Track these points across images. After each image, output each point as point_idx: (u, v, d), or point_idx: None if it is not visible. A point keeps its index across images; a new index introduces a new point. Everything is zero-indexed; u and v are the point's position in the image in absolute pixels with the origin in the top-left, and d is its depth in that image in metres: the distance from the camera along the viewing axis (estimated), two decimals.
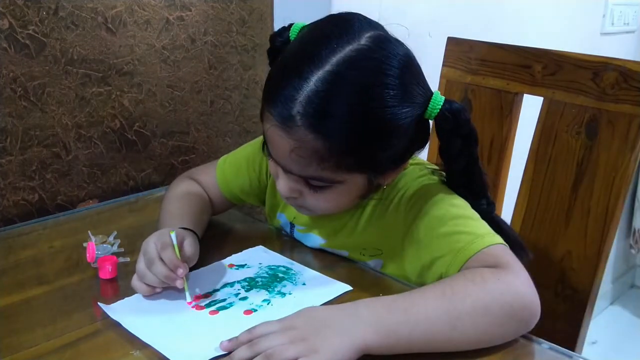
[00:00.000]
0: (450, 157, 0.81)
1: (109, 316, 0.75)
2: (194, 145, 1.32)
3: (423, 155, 0.91)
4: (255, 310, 0.77)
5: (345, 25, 0.74)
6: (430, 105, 0.76)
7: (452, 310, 0.67)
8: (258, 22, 1.35)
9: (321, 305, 0.77)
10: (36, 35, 1.04)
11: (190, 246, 0.82)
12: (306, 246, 0.95)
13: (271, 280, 0.84)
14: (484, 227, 0.78)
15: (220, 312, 0.77)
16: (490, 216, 0.83)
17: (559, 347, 0.73)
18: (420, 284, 0.79)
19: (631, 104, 0.96)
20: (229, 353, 0.66)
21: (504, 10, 1.80)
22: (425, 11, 1.57)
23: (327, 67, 0.70)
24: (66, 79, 1.09)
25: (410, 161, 0.87)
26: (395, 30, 0.78)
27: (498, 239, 0.76)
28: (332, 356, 0.63)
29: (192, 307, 0.78)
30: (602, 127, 0.99)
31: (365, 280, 0.86)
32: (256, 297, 0.80)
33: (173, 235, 0.79)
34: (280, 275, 0.86)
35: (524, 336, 0.72)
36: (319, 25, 0.78)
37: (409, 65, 0.75)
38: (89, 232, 0.93)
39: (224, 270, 0.87)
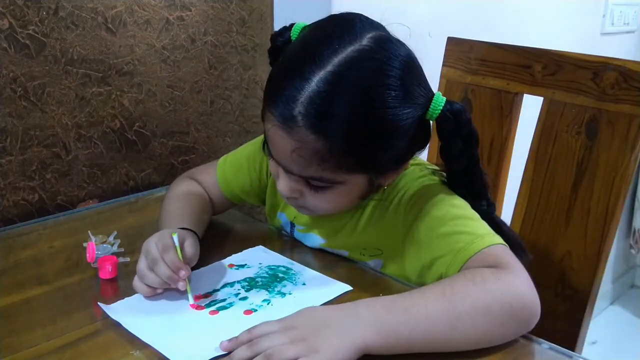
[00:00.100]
0: (451, 158, 0.81)
1: (109, 316, 0.75)
2: (194, 145, 1.32)
3: (423, 155, 0.91)
4: (255, 310, 0.77)
5: (347, 25, 0.74)
6: (431, 106, 0.76)
7: (452, 310, 0.67)
8: (258, 22, 1.35)
9: (321, 305, 0.77)
10: (36, 35, 1.04)
11: (191, 247, 0.82)
12: (306, 246, 0.95)
13: (271, 280, 0.84)
14: (484, 227, 0.78)
15: (220, 312, 0.77)
16: (490, 217, 0.83)
17: (559, 347, 0.73)
18: (420, 284, 0.79)
19: (631, 104, 0.96)
20: (229, 353, 0.66)
21: (504, 10, 1.80)
22: (425, 11, 1.57)
23: (329, 67, 0.70)
24: (66, 79, 1.09)
25: (411, 161, 0.87)
26: (396, 30, 0.78)
27: (498, 239, 0.76)
28: (332, 356, 0.63)
29: (193, 307, 0.78)
30: (602, 127, 0.99)
31: (365, 280, 0.86)
32: (256, 297, 0.80)
33: (175, 237, 0.79)
34: (280, 275, 0.86)
35: (524, 336, 0.72)
36: (321, 25, 0.78)
37: (411, 66, 0.75)
38: (89, 232, 0.93)
39: (224, 270, 0.87)
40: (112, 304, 0.78)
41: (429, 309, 0.67)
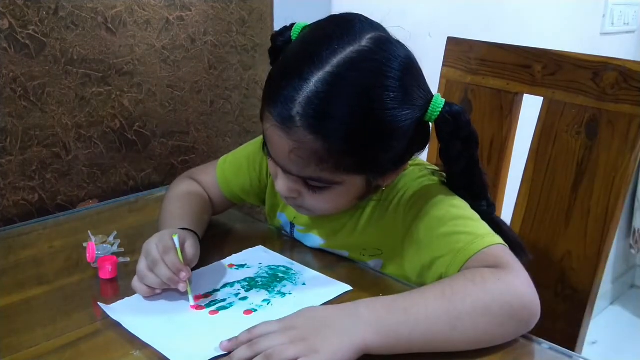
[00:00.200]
0: (450, 159, 0.81)
1: (109, 316, 0.75)
2: (194, 145, 1.32)
3: (423, 156, 0.91)
4: (255, 310, 0.77)
5: (346, 26, 0.74)
6: (430, 108, 0.76)
7: (452, 310, 0.67)
8: (258, 22, 1.35)
9: (321, 305, 0.77)
10: (36, 35, 1.04)
11: (192, 248, 0.82)
12: (306, 246, 0.95)
13: (271, 280, 0.84)
14: (483, 227, 0.78)
15: (220, 312, 0.77)
16: (490, 217, 0.83)
17: (559, 347, 0.73)
18: (420, 284, 0.79)
19: (631, 104, 0.96)
20: (229, 353, 0.66)
21: (504, 10, 1.80)
22: (425, 11, 1.57)
23: (328, 68, 0.70)
24: (66, 79, 1.09)
25: (411, 162, 0.87)
26: (396, 32, 0.78)
27: (498, 239, 0.76)
28: (332, 356, 0.63)
29: (193, 307, 0.78)
30: (602, 127, 0.99)
31: (365, 280, 0.86)
32: (256, 297, 0.80)
33: (176, 238, 0.79)
34: (280, 275, 0.86)
35: (524, 336, 0.72)
36: (321, 25, 0.78)
37: (410, 68, 0.75)
38: (89, 232, 0.93)
39: (224, 270, 0.87)
40: (112, 304, 0.78)
41: (429, 309, 0.67)
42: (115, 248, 0.92)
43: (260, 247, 0.95)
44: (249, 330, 0.67)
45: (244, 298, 0.80)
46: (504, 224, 0.88)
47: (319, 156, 0.72)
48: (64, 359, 0.68)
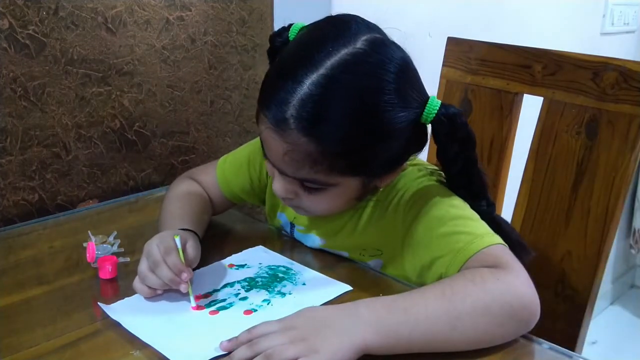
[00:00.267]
0: (447, 161, 0.81)
1: (109, 316, 0.75)
2: (194, 145, 1.32)
3: (423, 156, 0.91)
4: (255, 310, 0.77)
5: (342, 27, 0.74)
6: (425, 110, 0.75)
7: (452, 310, 0.67)
8: (258, 22, 1.35)
9: (321, 305, 0.77)
10: (36, 35, 1.04)
11: (193, 249, 0.82)
12: (306, 246, 0.95)
13: (271, 280, 0.84)
14: (483, 227, 0.78)
15: (220, 312, 0.77)
16: (490, 217, 0.83)
17: (559, 347, 0.73)
18: (420, 284, 0.79)
19: (631, 104, 0.96)
20: (229, 353, 0.66)
21: (504, 10, 1.80)
22: (425, 11, 1.57)
23: (322, 70, 0.70)
24: (66, 79, 1.09)
25: (410, 162, 0.87)
26: (393, 33, 0.78)
27: (497, 239, 0.76)
28: (332, 356, 0.63)
29: (193, 307, 0.78)
30: (602, 127, 0.99)
31: (365, 280, 0.86)
32: (256, 297, 0.80)
33: (177, 239, 0.79)
34: (280, 275, 0.86)
35: (524, 336, 0.72)
36: (316, 26, 0.78)
37: (405, 70, 0.74)
38: (89, 232, 0.93)
39: (224, 270, 0.87)
40: (112, 304, 0.78)
41: (428, 309, 0.67)
42: (115, 248, 0.92)
43: (260, 247, 0.95)
44: (249, 330, 0.67)
45: (244, 298, 0.80)
46: (505, 222, 0.88)
47: (313, 158, 0.73)
48: (64, 359, 0.68)
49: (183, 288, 0.77)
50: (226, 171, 1.00)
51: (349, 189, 0.79)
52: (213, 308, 0.78)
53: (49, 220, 1.08)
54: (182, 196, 0.96)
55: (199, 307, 0.78)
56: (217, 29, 1.29)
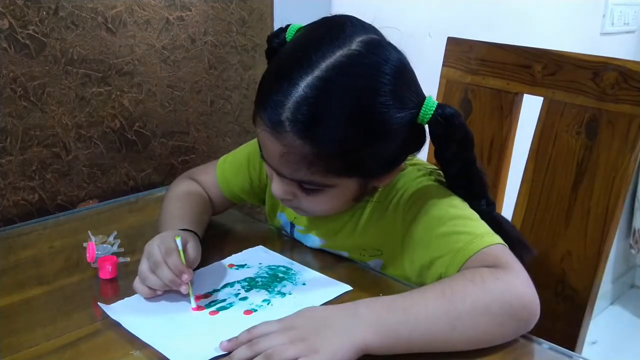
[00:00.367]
0: (445, 161, 0.81)
1: (109, 316, 0.75)
2: (194, 145, 1.32)
3: (423, 156, 0.91)
4: (255, 310, 0.77)
5: (337, 29, 0.74)
6: (422, 111, 0.75)
7: (452, 310, 0.67)
8: (258, 22, 1.35)
9: (321, 305, 0.77)
10: (36, 35, 1.04)
11: (193, 250, 0.82)
12: (306, 246, 0.95)
13: (271, 280, 0.84)
14: (483, 227, 0.78)
15: (220, 312, 0.77)
16: (490, 216, 0.83)
17: (559, 347, 0.73)
18: (420, 284, 0.79)
19: (631, 104, 0.96)
20: (229, 353, 0.66)
21: (504, 10, 1.80)
22: (425, 11, 1.57)
23: (317, 72, 0.70)
24: (66, 79, 1.09)
25: (409, 162, 0.87)
26: (391, 33, 0.78)
27: (497, 238, 0.76)
28: (332, 356, 0.63)
29: (193, 307, 0.78)
30: (602, 127, 0.99)
31: (365, 280, 0.86)
32: (256, 297, 0.80)
33: (178, 240, 0.79)
34: (280, 275, 0.86)
35: (524, 336, 0.72)
36: (312, 28, 0.78)
37: (401, 71, 0.74)
38: (89, 232, 0.93)
39: (224, 271, 0.87)
40: (112, 304, 0.78)
41: (428, 309, 0.67)
42: (115, 248, 0.92)
43: (260, 247, 0.95)
44: (248, 330, 0.67)
45: (244, 298, 0.80)
46: (506, 221, 0.88)
47: (309, 160, 0.73)
48: (64, 359, 0.68)
49: (183, 289, 0.77)
50: (226, 171, 1.00)
51: (347, 190, 0.79)
52: (213, 308, 0.78)
53: (49, 220, 1.08)
54: (181, 196, 0.96)
55: (199, 308, 0.78)
56: (217, 29, 1.29)
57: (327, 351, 0.63)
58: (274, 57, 0.79)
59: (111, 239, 0.93)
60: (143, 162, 1.24)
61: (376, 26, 0.78)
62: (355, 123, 0.72)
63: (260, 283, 0.84)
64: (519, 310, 0.69)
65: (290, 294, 0.81)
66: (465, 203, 0.81)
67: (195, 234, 0.87)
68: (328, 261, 0.91)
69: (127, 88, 1.18)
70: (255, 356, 0.63)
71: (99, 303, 0.78)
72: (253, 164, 0.98)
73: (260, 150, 0.79)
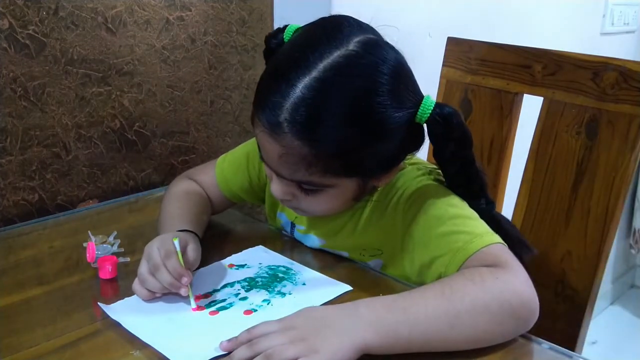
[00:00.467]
0: (444, 160, 0.81)
1: (109, 316, 0.75)
2: (194, 145, 1.32)
3: (423, 155, 0.91)
4: (255, 310, 0.77)
5: (334, 29, 0.74)
6: (420, 110, 0.75)
7: (452, 309, 0.67)
8: (258, 22, 1.35)
9: (321, 305, 0.77)
10: (36, 35, 1.04)
11: (193, 252, 0.82)
12: (306, 246, 0.95)
13: (271, 280, 0.84)
14: (482, 226, 0.78)
15: (220, 312, 0.77)
16: (490, 215, 0.83)
17: (559, 347, 0.73)
18: (420, 283, 0.79)
19: (631, 104, 0.96)
20: (229, 353, 0.66)
21: (504, 10, 1.80)
22: (425, 11, 1.57)
23: (314, 73, 0.70)
24: (66, 79, 1.09)
25: (409, 161, 0.87)
26: (390, 33, 0.78)
27: (497, 238, 0.76)
28: (332, 356, 0.63)
29: (193, 307, 0.78)
30: (602, 127, 0.99)
31: (365, 280, 0.86)
32: (256, 297, 0.80)
33: (176, 242, 0.79)
34: (280, 275, 0.86)
35: (524, 336, 0.72)
36: (310, 29, 0.78)
37: (399, 70, 0.74)
38: (89, 232, 0.93)
39: (223, 271, 0.87)
40: (112, 304, 0.78)
41: (428, 309, 0.67)
42: (115, 248, 0.92)
43: (260, 247, 0.95)
44: (248, 330, 0.67)
45: (244, 298, 0.80)
46: (505, 220, 0.88)
47: (308, 161, 0.73)
48: (64, 359, 0.68)
49: (183, 292, 0.77)
50: (225, 170, 1.00)
51: (346, 190, 0.79)
52: (213, 308, 0.78)
53: (49, 220, 1.08)
54: (181, 196, 0.96)
55: (199, 308, 0.78)
56: (217, 29, 1.29)
57: (327, 351, 0.63)
58: (272, 58, 0.79)
59: (111, 239, 0.93)
60: (143, 162, 1.24)
61: (374, 26, 0.78)
62: (354, 123, 0.72)
63: (260, 283, 0.84)
64: (518, 309, 0.69)
65: (290, 294, 0.81)
66: (465, 202, 0.81)
67: (195, 234, 0.87)
68: (328, 261, 0.91)
69: (127, 88, 1.18)
70: (255, 356, 0.63)
71: (99, 303, 0.78)
72: (252, 163, 0.98)
73: (259, 151, 0.79)
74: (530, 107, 1.12)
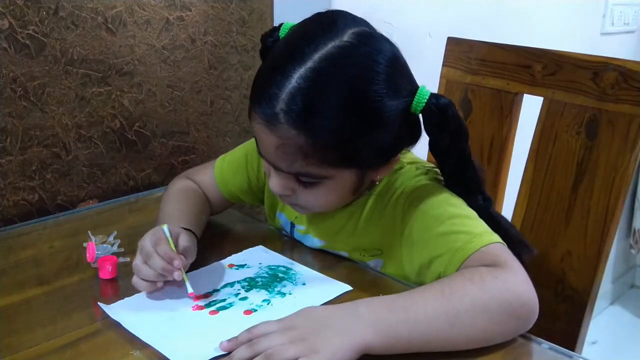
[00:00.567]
0: (440, 153, 0.81)
1: (109, 316, 0.75)
2: (194, 145, 1.32)
3: (422, 155, 0.91)
4: (255, 310, 0.77)
5: (329, 22, 0.75)
6: (415, 99, 0.75)
7: (451, 309, 0.67)
8: (258, 22, 1.35)
9: (321, 305, 0.77)
10: (36, 35, 1.04)
11: (185, 240, 0.82)
12: (306, 246, 0.95)
13: (271, 280, 0.84)
14: (481, 225, 0.78)
15: (220, 312, 0.77)
16: (488, 212, 0.83)
17: (559, 347, 0.73)
18: (420, 283, 0.79)
19: (631, 104, 0.96)
20: (229, 353, 0.66)
21: (504, 10, 1.80)
22: (425, 11, 1.57)
23: (309, 64, 0.71)
24: (66, 79, 1.09)
25: (407, 160, 0.87)
26: (388, 30, 0.78)
27: (496, 237, 0.76)
28: (332, 356, 0.63)
29: (193, 307, 0.78)
30: (602, 127, 0.99)
31: (365, 280, 0.86)
32: (256, 297, 0.80)
33: (165, 228, 0.80)
34: (280, 275, 0.86)
35: (524, 336, 0.72)
36: (305, 23, 0.79)
37: (394, 60, 0.75)
38: (89, 232, 0.93)
39: (223, 271, 0.87)
40: (112, 304, 0.78)
41: (428, 308, 0.67)
42: (115, 248, 0.92)
43: (260, 247, 0.95)
44: (248, 330, 0.67)
45: (244, 298, 0.80)
46: (504, 220, 0.88)
47: (304, 151, 0.73)
48: (64, 359, 0.68)
49: (177, 275, 0.77)
50: (224, 171, 1.00)
51: (344, 182, 0.79)
52: (213, 308, 0.78)
53: (49, 220, 1.08)
54: (179, 196, 0.96)
55: (198, 307, 0.78)
56: (217, 29, 1.29)
57: (327, 351, 0.63)
58: (268, 54, 0.79)
59: (111, 239, 0.93)
60: (143, 162, 1.24)
61: (372, 24, 0.78)
62: (350, 112, 0.72)
63: (260, 283, 0.84)
64: (517, 309, 0.69)
65: (290, 294, 0.81)
66: (463, 201, 0.81)
67: (193, 233, 0.87)
68: (328, 261, 0.91)
69: (127, 88, 1.18)
70: (255, 356, 0.63)
71: (99, 303, 0.78)
72: (251, 164, 0.98)
73: (257, 146, 0.79)
74: (530, 107, 1.12)
